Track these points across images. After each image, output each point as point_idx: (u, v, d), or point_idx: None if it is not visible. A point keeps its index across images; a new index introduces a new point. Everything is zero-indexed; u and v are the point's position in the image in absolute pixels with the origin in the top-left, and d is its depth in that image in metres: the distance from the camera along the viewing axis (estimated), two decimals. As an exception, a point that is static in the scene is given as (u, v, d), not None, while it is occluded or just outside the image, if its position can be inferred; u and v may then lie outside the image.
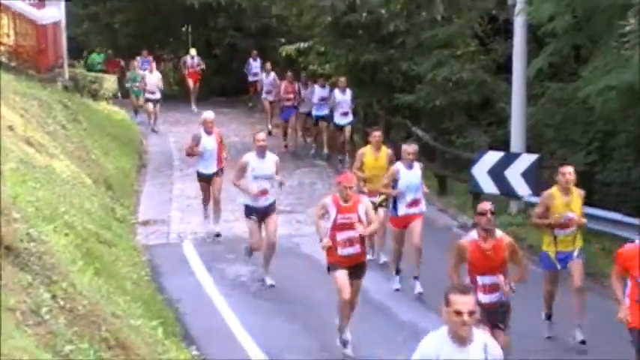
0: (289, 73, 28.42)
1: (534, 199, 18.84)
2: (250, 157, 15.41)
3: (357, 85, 26.25)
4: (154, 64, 33.23)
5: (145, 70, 33.35)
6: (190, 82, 35.98)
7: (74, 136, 21.36)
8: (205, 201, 19.07)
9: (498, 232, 10.55)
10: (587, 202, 18.32)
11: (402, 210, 14.98)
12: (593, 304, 12.94)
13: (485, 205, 10.54)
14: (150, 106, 31.30)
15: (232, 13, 41.35)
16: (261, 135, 15.58)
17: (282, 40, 38.54)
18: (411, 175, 14.88)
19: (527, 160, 19.47)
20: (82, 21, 41.91)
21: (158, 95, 31.32)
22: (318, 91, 26.59)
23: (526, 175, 19.27)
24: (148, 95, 31.41)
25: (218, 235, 18.57)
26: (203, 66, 36.15)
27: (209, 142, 18.49)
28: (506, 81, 21.95)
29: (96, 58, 38.93)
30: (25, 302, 7.08)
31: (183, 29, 44.76)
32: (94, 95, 31.97)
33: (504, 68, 22.74)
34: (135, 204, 21.30)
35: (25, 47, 26.60)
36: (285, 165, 26.32)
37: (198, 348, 12.01)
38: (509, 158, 19.68)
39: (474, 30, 26.25)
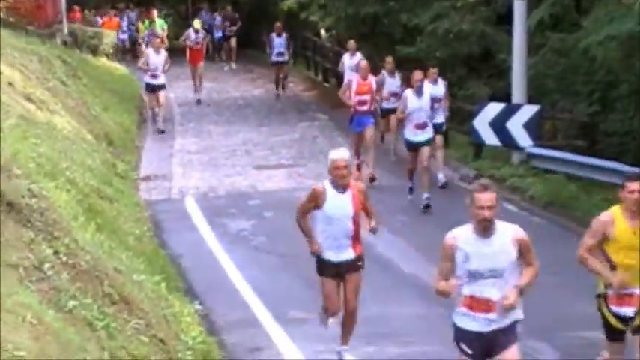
0: (363, 63, 19.91)
1: (536, 150, 18.92)
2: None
3: (357, 38, 26.08)
4: (159, 40, 26.99)
5: (147, 43, 28.73)
6: (193, 65, 29.50)
7: (74, 92, 21.33)
8: (330, 310, 10.47)
9: None
10: (590, 152, 18.48)
11: None
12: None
13: None
14: (152, 95, 25.10)
15: (234, -34, 41.22)
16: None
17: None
18: None
19: (528, 111, 19.48)
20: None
21: (162, 79, 24.88)
22: (389, 83, 20.98)
23: (528, 126, 19.28)
24: (149, 80, 24.85)
25: None
26: (207, 39, 31.72)
27: (339, 204, 9.98)
28: (507, 32, 21.84)
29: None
30: (28, 258, 7.08)
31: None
32: (94, 51, 31.92)
33: (505, 19, 22.61)
34: (136, 160, 21.31)
35: (24, 3, 26.48)
36: (288, 119, 26.48)
37: (202, 302, 12.01)
38: (511, 110, 19.66)
39: (474, -19, 26.08)
